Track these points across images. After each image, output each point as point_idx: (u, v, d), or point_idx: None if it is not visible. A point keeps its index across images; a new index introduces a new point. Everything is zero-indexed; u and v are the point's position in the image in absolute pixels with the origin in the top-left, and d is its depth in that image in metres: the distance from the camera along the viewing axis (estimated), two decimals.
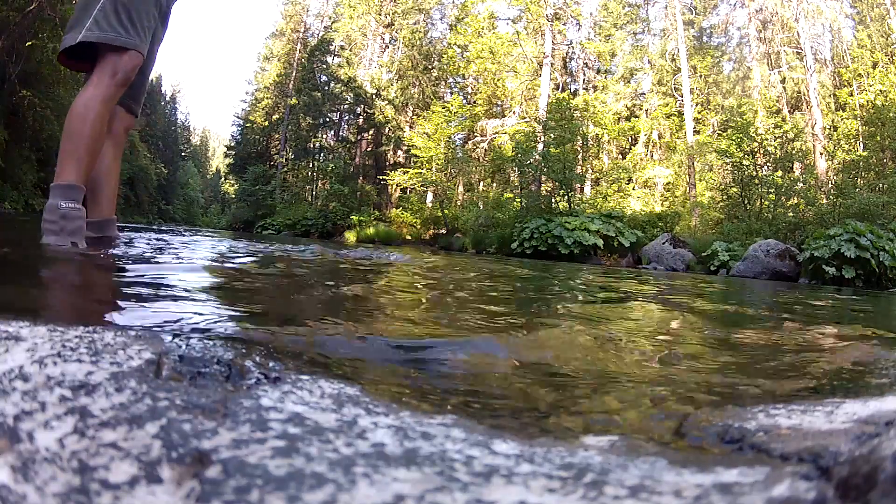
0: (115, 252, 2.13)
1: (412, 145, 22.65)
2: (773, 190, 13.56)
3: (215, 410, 0.41)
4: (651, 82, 23.65)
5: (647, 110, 23.12)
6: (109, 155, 2.37)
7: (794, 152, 15.03)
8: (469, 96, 25.36)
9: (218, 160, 68.25)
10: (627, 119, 23.30)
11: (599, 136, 21.86)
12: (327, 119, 29.45)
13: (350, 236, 21.60)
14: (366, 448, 0.37)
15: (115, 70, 2.09)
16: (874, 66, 18.65)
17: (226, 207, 47.33)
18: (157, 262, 1.95)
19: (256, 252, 3.12)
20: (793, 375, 0.87)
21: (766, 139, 14.43)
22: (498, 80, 22.98)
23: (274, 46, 34.50)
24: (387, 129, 26.60)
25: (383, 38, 27.87)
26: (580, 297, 2.39)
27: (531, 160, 16.09)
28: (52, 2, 13.64)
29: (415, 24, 26.77)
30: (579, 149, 18.59)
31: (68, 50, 2.12)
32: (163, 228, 8.78)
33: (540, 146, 16.89)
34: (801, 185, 13.76)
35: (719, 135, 18.62)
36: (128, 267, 1.77)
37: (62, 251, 1.84)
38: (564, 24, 23.68)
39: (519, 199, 16.80)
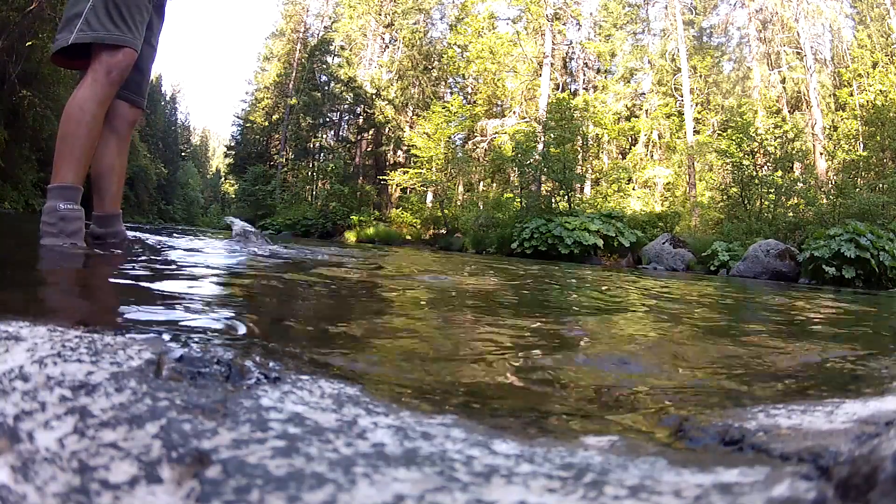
0: (115, 251, 2.13)
1: (412, 145, 22.66)
2: (773, 190, 13.56)
3: (215, 410, 0.41)
4: (651, 82, 23.64)
5: (647, 110, 23.12)
6: (112, 150, 2.35)
7: (794, 152, 15.03)
8: (469, 96, 25.36)
9: (218, 160, 68.23)
10: (627, 119, 23.30)
11: (599, 136, 21.87)
12: (327, 119, 29.47)
13: (350, 236, 21.61)
14: (366, 448, 0.37)
15: (109, 69, 2.07)
16: (874, 66, 18.65)
17: (226, 207, 47.31)
18: (156, 261, 1.95)
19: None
20: (792, 375, 0.87)
21: (766, 139, 14.43)
22: (498, 80, 22.98)
23: (274, 46, 34.50)
24: (387, 129, 26.61)
25: (383, 38, 27.88)
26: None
27: (531, 160, 16.09)
28: (52, 2, 13.63)
29: (415, 24, 26.78)
30: (579, 149, 18.60)
31: (61, 49, 2.11)
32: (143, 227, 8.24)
33: (540, 146, 16.88)
34: (801, 185, 13.76)
35: (719, 135, 18.62)
36: (128, 266, 1.77)
37: (62, 251, 1.84)
38: (564, 24, 23.69)
39: (519, 199, 16.80)
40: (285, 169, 30.10)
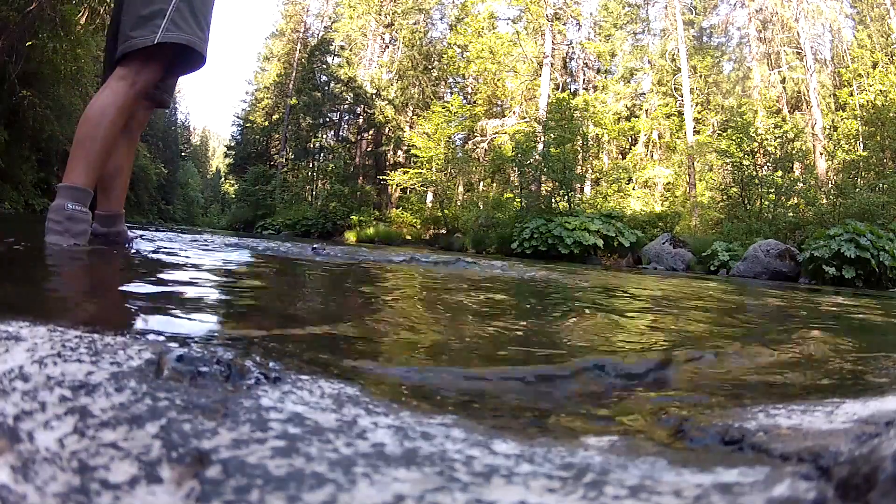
0: (117, 251, 2.13)
1: (412, 145, 22.66)
2: (773, 190, 13.55)
3: (215, 410, 0.41)
4: (651, 82, 23.65)
5: (647, 110, 23.12)
6: (122, 150, 2.36)
7: (794, 152, 15.01)
8: (469, 96, 25.36)
9: (218, 160, 68.24)
10: (627, 119, 23.30)
11: (599, 136, 21.86)
12: (327, 119, 29.47)
13: (350, 236, 21.61)
14: (366, 448, 0.37)
15: (135, 80, 2.07)
16: (874, 66, 18.63)
17: (226, 207, 47.31)
18: (158, 261, 1.95)
19: None
20: (792, 375, 0.87)
21: (766, 139, 14.42)
22: (498, 80, 22.97)
23: (274, 46, 34.51)
24: (387, 129, 26.61)
25: (383, 38, 27.87)
26: None
27: (531, 160, 16.08)
28: (52, 2, 13.62)
29: (415, 24, 26.78)
30: (579, 149, 18.58)
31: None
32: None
33: (540, 146, 16.88)
34: (801, 185, 13.75)
35: (719, 135, 18.61)
36: (128, 266, 1.77)
37: (64, 251, 1.84)
38: (564, 24, 23.68)
39: (519, 199, 16.80)
40: (285, 169, 30.11)
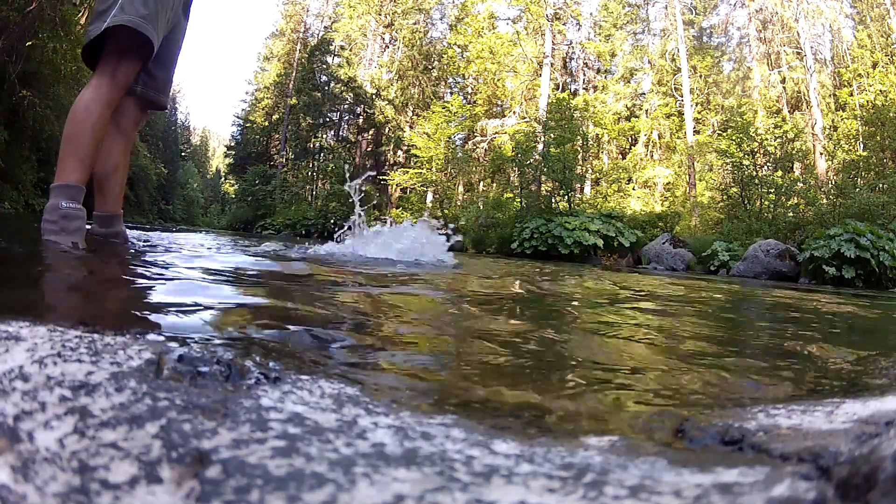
0: (116, 251, 2.13)
1: (412, 145, 22.67)
2: (773, 190, 13.55)
3: (215, 410, 0.41)
4: (651, 82, 23.65)
5: (647, 110, 23.12)
6: (118, 150, 2.36)
7: (794, 152, 15.01)
8: (469, 96, 25.36)
9: (218, 160, 68.30)
10: (627, 119, 23.30)
11: (599, 136, 21.86)
12: (327, 119, 29.47)
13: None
14: (366, 448, 0.37)
15: (114, 73, 2.08)
16: (874, 66, 18.63)
17: (226, 207, 47.30)
18: (158, 260, 1.95)
19: None
20: (792, 376, 0.87)
21: (766, 139, 14.42)
22: (498, 80, 22.97)
23: (274, 46, 34.54)
24: (387, 129, 26.62)
25: (383, 38, 27.88)
26: None
27: (531, 160, 16.08)
28: (52, 2, 13.62)
29: (415, 24, 26.79)
30: (579, 149, 18.58)
31: (91, 47, 2.09)
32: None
33: (540, 146, 16.88)
34: (801, 185, 13.75)
35: (719, 135, 18.60)
36: (128, 265, 1.77)
37: (62, 250, 1.84)
38: (564, 24, 23.68)
39: (519, 199, 16.80)
40: (285, 169, 30.11)
